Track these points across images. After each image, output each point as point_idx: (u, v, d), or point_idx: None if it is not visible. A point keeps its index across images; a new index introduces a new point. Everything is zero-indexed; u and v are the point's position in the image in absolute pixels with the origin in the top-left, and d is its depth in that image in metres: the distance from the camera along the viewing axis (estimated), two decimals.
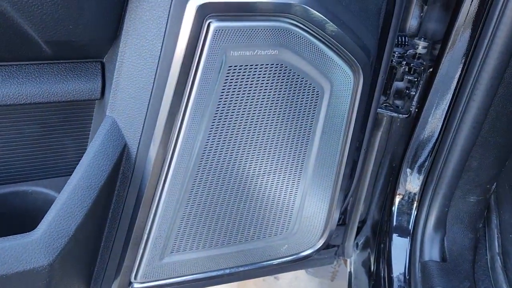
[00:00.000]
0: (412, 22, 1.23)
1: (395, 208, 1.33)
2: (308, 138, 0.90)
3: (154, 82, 0.76)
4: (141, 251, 0.92)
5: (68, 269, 0.78)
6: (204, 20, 0.71)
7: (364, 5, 0.87)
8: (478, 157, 1.16)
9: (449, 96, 1.17)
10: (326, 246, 1.29)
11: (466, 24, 1.08)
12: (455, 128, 1.14)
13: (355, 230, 1.45)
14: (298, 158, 0.93)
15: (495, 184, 1.24)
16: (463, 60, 1.11)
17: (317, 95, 0.85)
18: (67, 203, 0.75)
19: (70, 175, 0.78)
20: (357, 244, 1.51)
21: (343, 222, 1.42)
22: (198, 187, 0.87)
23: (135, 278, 0.96)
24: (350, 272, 1.54)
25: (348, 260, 1.53)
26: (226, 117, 0.81)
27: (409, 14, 1.21)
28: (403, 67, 1.21)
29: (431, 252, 1.22)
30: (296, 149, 0.91)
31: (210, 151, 0.83)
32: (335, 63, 0.82)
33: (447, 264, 1.18)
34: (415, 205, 1.29)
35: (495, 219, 1.31)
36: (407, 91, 1.25)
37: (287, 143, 0.89)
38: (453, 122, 1.15)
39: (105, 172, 0.77)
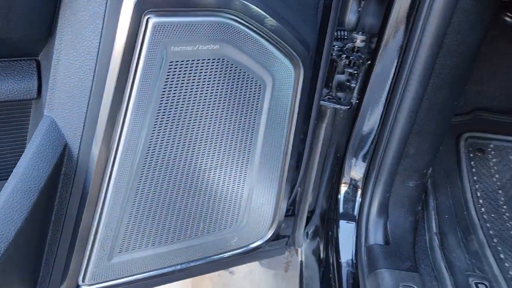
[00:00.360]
0: (351, 17, 1.27)
1: (341, 197, 1.38)
2: (252, 131, 0.92)
3: (93, 80, 0.75)
4: (88, 252, 0.90)
5: (9, 276, 0.75)
6: (143, 16, 0.70)
7: (302, 0, 0.90)
8: (414, 144, 1.22)
9: (386, 87, 1.22)
10: (276, 237, 1.32)
11: (399, 18, 1.14)
12: (393, 117, 1.20)
13: (305, 220, 1.48)
14: (244, 151, 0.94)
15: (431, 169, 1.32)
16: (398, 53, 1.17)
17: (259, 89, 0.86)
18: (5, 208, 0.72)
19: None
20: (307, 233, 1.55)
21: (292, 212, 1.45)
22: (145, 185, 0.86)
23: (83, 281, 0.94)
24: (301, 261, 1.58)
25: (299, 250, 1.58)
26: (170, 112, 0.80)
27: (348, 8, 1.25)
28: (343, 60, 1.25)
29: (376, 236, 1.28)
30: (241, 142, 0.92)
31: (155, 147, 0.83)
32: (276, 57, 0.84)
33: (390, 247, 1.24)
34: (359, 192, 1.35)
35: (432, 201, 1.39)
36: (348, 83, 1.30)
37: (232, 136, 0.91)
38: (391, 112, 1.20)
39: (45, 174, 0.75)
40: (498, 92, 1.54)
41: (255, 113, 0.89)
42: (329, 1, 0.98)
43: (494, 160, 1.50)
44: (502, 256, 1.25)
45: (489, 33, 1.39)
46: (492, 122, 1.57)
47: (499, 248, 1.27)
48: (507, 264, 1.23)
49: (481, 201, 1.41)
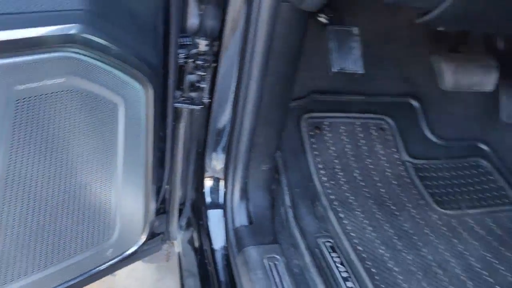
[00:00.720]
0: (193, 21, 1.36)
1: (206, 189, 1.50)
2: (111, 147, 0.97)
3: None
4: None
5: None
6: None
7: (141, 23, 0.96)
8: (262, 133, 1.39)
9: (232, 86, 1.36)
10: (152, 235, 1.40)
11: (234, 26, 1.27)
12: (241, 112, 1.35)
13: (177, 214, 1.58)
14: (106, 167, 0.99)
15: (279, 151, 1.52)
16: (237, 55, 1.31)
17: (112, 110, 0.92)
18: None
19: None
20: (180, 226, 1.66)
21: (164, 210, 1.53)
22: (8, 219, 0.86)
23: None
24: (178, 252, 1.68)
25: (175, 242, 1.67)
26: (24, 147, 0.81)
27: (189, 14, 1.34)
28: (192, 65, 1.35)
29: (241, 218, 1.43)
30: (102, 159, 0.97)
31: (13, 182, 0.83)
32: (123, 80, 0.90)
33: (253, 226, 1.41)
34: (222, 182, 1.49)
35: (284, 179, 1.60)
36: (198, 85, 1.40)
37: (93, 156, 0.95)
38: (239, 107, 1.35)
39: None
40: (326, 76, 1.81)
41: (112, 133, 0.95)
42: (167, 21, 1.06)
43: (329, 135, 1.78)
44: (341, 215, 1.52)
45: (315, 29, 1.62)
46: (324, 102, 1.83)
47: (339, 209, 1.54)
48: (345, 221, 1.50)
49: (322, 171, 1.67)
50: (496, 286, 1.37)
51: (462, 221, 1.60)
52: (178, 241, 1.68)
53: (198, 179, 1.56)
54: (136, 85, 0.93)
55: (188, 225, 1.67)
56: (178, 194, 1.55)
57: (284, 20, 1.20)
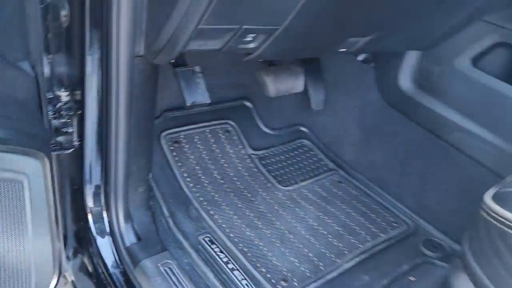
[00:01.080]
0: (44, 70, 1.46)
1: (90, 220, 1.65)
2: (20, 215, 1.08)
3: None
4: None
5: None
6: None
7: (24, 103, 1.09)
8: (135, 163, 1.60)
9: (99, 127, 1.53)
10: None
11: (94, 72, 1.43)
12: (114, 148, 1.53)
13: (62, 247, 1.70)
14: (17, 232, 1.10)
15: (150, 174, 1.75)
16: (101, 100, 1.48)
17: (18, 187, 1.04)
18: None
19: None
20: (68, 257, 1.78)
21: None
22: None
23: None
24: (72, 281, 1.80)
25: (66, 274, 1.79)
26: None
27: (46, 67, 1.43)
28: (58, 115, 1.47)
29: (129, 238, 1.63)
30: (13, 227, 1.08)
31: None
32: (22, 160, 1.03)
33: (142, 241, 1.62)
34: (105, 211, 1.66)
35: (158, 193, 1.85)
36: (65, 130, 1.53)
37: (4, 228, 1.06)
38: (110, 144, 1.53)
39: None
40: (174, 95, 2.07)
41: (20, 203, 1.06)
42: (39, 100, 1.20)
43: (186, 146, 2.07)
44: (212, 212, 1.85)
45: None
46: (177, 118, 2.10)
47: (209, 207, 1.86)
48: (216, 216, 1.83)
49: (188, 179, 1.96)
50: (329, 236, 1.88)
51: (299, 193, 2.10)
52: (69, 271, 1.79)
53: (79, 213, 1.69)
54: (33, 160, 1.06)
55: (76, 254, 1.79)
56: (60, 229, 1.67)
57: (140, 71, 1.42)
